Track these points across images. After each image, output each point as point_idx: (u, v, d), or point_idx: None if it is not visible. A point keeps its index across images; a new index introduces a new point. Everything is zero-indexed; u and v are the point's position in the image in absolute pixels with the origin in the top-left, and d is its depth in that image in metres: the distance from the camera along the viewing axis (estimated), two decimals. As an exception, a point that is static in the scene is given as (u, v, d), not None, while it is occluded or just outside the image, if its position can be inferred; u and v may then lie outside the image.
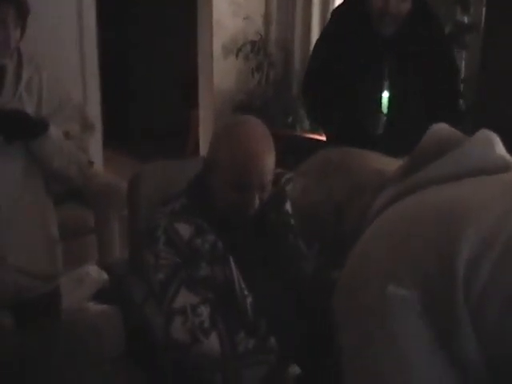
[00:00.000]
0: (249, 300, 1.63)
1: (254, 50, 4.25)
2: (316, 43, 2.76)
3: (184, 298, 1.60)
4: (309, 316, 1.66)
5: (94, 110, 4.18)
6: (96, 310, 2.48)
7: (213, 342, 1.57)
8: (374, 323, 0.93)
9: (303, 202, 1.20)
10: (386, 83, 2.51)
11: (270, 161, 1.66)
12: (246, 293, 1.64)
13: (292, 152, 4.04)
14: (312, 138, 4.19)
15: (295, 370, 1.58)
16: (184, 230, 1.66)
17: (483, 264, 0.88)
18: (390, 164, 1.15)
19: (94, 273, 2.90)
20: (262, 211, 1.69)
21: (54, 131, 1.98)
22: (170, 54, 5.59)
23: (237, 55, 4.24)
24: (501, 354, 0.88)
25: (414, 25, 2.46)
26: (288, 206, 1.78)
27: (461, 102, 2.95)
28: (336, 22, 2.62)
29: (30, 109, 1.98)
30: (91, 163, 3.82)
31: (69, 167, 2.06)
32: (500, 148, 1.07)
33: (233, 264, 1.65)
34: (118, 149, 5.65)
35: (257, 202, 1.65)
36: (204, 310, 1.59)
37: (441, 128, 1.10)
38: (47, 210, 2.14)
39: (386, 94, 2.52)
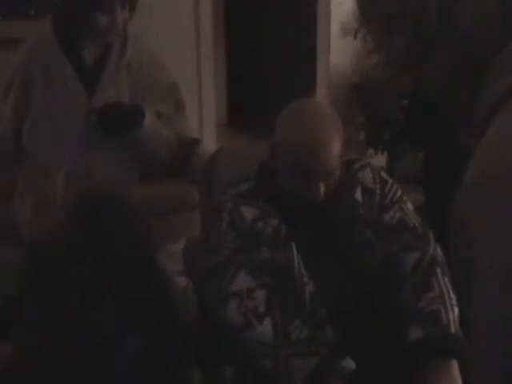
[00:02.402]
0: (308, 288, 1.59)
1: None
2: None
3: (242, 281, 1.59)
4: (371, 308, 1.60)
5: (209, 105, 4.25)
6: (181, 286, 2.54)
7: (266, 328, 1.54)
8: None
9: None
10: None
11: (334, 146, 1.58)
12: (305, 280, 1.60)
13: (407, 136, 3.91)
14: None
15: (349, 364, 1.52)
16: (248, 212, 1.65)
17: None
18: None
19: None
20: (330, 198, 1.63)
21: (149, 116, 2.01)
22: (291, 32, 5.57)
23: (355, 36, 4.13)
24: None
25: None
26: (358, 195, 1.71)
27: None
28: None
29: (128, 86, 2.04)
30: (198, 140, 3.89)
31: (159, 148, 2.10)
32: None
33: (295, 250, 1.61)
34: (242, 127, 5.69)
35: (322, 190, 1.59)
36: (260, 294, 1.57)
37: None
38: (130, 187, 2.19)
39: None
